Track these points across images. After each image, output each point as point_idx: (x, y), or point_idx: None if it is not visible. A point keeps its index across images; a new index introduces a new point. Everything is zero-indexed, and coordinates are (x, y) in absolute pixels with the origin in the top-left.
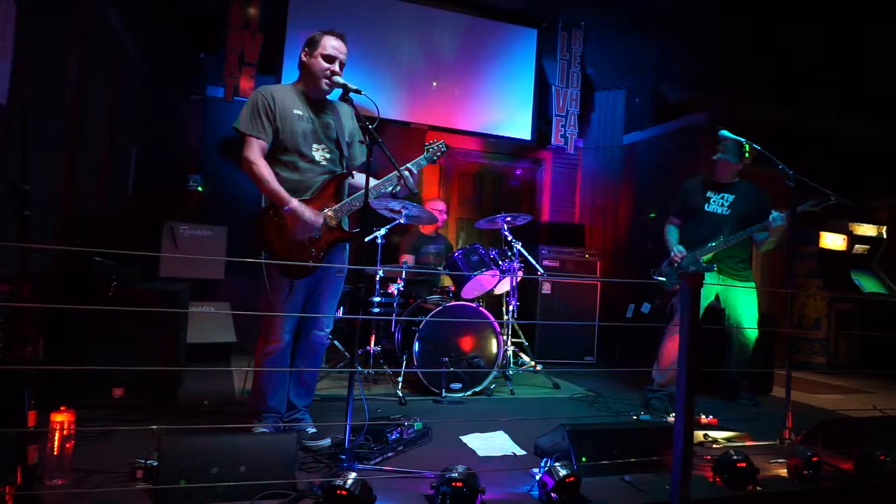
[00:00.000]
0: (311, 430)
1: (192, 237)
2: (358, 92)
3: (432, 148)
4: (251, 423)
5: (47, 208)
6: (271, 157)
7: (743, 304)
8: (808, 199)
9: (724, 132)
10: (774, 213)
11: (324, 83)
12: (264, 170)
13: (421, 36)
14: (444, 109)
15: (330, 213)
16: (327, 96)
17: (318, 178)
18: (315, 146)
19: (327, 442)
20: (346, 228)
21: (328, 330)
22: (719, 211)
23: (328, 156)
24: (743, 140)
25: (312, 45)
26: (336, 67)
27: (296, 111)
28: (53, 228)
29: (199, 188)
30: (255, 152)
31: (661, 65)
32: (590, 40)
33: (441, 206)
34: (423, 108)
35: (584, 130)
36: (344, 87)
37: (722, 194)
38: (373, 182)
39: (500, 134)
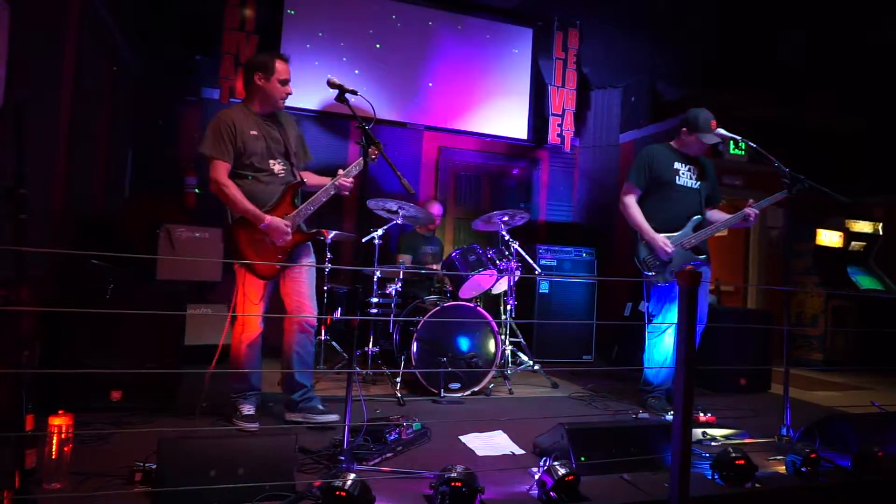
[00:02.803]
0: (321, 406)
1: (189, 239)
2: (354, 93)
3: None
4: (236, 402)
5: (44, 211)
6: (234, 174)
7: (703, 291)
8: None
9: (720, 130)
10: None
11: (280, 103)
12: (235, 191)
13: (416, 36)
14: (440, 109)
15: (290, 219)
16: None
17: (277, 188)
18: (271, 161)
19: (335, 416)
20: (305, 230)
21: (315, 313)
22: (689, 184)
23: (283, 168)
24: (738, 137)
25: (267, 69)
26: (289, 88)
27: (252, 132)
28: (50, 231)
29: (196, 190)
30: (223, 175)
31: (657, 63)
32: (585, 39)
33: (439, 208)
34: (420, 109)
35: (581, 129)
36: (340, 87)
37: (688, 165)
38: (317, 180)
39: (497, 133)
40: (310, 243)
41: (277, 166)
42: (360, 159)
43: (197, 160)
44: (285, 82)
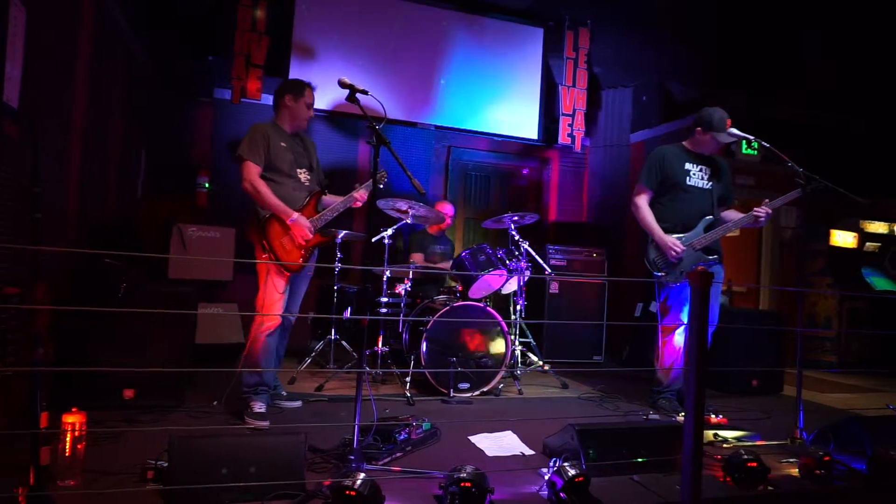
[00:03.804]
0: (284, 392)
1: (201, 238)
2: (364, 92)
3: (378, 176)
4: (248, 399)
5: (58, 211)
6: (266, 177)
7: (714, 291)
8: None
9: (733, 129)
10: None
11: (304, 123)
12: (266, 189)
13: (427, 36)
14: (450, 109)
15: (314, 221)
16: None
17: (302, 194)
18: (298, 170)
19: (298, 403)
20: (324, 233)
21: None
22: (701, 184)
23: (308, 177)
24: (751, 137)
25: (298, 93)
26: (312, 112)
27: (282, 143)
28: (64, 231)
29: (206, 185)
30: (255, 175)
31: (669, 62)
32: (596, 38)
33: (450, 208)
34: (430, 108)
35: (591, 129)
36: (351, 87)
37: (700, 166)
38: (335, 200)
39: (507, 133)
40: (317, 251)
41: (303, 175)
42: (370, 181)
43: (209, 160)
44: (310, 106)
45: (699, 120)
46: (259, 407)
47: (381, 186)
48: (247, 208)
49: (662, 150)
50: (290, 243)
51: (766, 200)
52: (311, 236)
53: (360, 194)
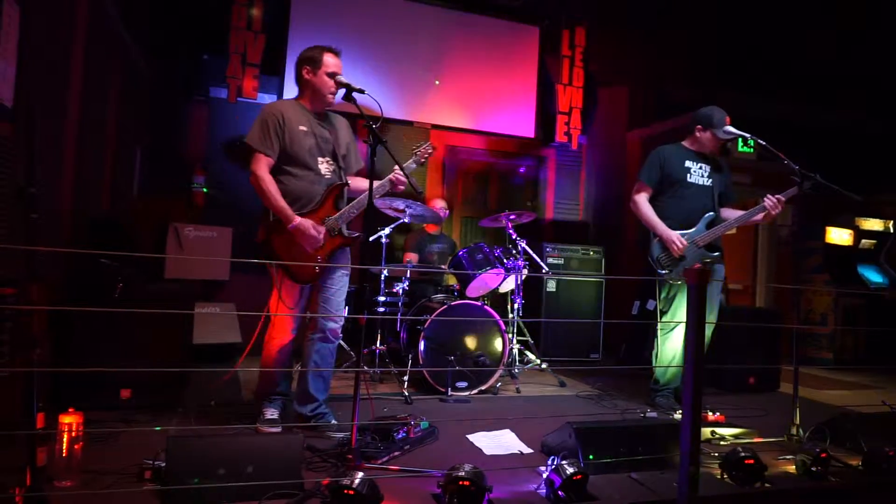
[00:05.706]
0: (333, 421)
1: (198, 238)
2: (361, 91)
3: (419, 151)
4: (261, 405)
5: (53, 211)
6: (280, 168)
7: (715, 289)
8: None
9: (729, 128)
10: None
11: (329, 98)
12: (272, 186)
13: (423, 34)
14: (446, 108)
15: (332, 222)
16: (328, 108)
17: (320, 189)
18: (320, 159)
19: (344, 435)
20: (346, 234)
21: (340, 323)
22: (701, 181)
23: (331, 168)
24: (748, 135)
25: (314, 63)
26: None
27: (301, 127)
28: (59, 231)
29: (204, 189)
30: (264, 168)
31: (664, 61)
32: (592, 37)
33: (442, 204)
34: (426, 107)
35: (588, 127)
36: (347, 86)
37: (700, 164)
38: (362, 184)
39: (503, 132)
40: (348, 249)
41: (324, 166)
42: (411, 160)
43: (205, 159)
44: (333, 76)
45: (698, 118)
46: (270, 413)
47: (424, 162)
48: (258, 207)
49: (662, 149)
50: (303, 251)
51: (768, 196)
52: (319, 244)
53: (399, 177)
